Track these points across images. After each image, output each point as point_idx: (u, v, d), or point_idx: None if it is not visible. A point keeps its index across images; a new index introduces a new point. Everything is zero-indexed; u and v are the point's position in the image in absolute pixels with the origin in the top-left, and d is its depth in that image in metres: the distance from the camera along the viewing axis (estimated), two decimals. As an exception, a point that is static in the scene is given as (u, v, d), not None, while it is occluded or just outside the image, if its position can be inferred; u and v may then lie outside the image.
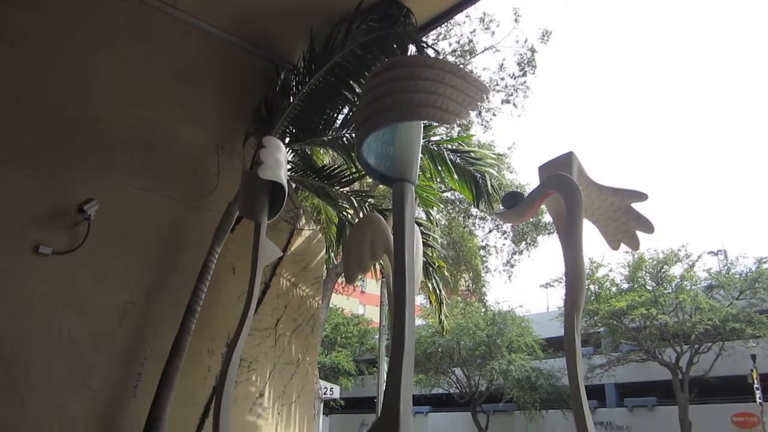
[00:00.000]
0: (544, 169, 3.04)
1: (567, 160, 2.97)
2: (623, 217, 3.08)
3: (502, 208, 3.26)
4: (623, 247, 3.14)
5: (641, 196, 3.00)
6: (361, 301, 42.85)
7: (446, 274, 9.46)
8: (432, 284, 6.60)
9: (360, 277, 4.47)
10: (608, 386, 34.68)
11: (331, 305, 19.70)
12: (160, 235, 4.24)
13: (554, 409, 31.73)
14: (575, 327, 3.59)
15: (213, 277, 4.08)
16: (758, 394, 24.64)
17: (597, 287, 29.24)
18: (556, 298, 30.14)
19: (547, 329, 30.08)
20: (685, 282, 27.30)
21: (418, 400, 43.50)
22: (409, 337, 2.71)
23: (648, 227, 3.04)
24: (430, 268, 6.51)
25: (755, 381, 24.59)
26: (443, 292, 7.10)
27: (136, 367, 3.87)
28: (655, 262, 27.93)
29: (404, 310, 2.76)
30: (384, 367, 15.32)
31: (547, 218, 16.47)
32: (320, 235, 5.64)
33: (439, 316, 7.11)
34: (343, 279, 9.36)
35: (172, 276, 4.15)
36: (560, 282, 29.17)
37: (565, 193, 2.85)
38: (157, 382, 3.71)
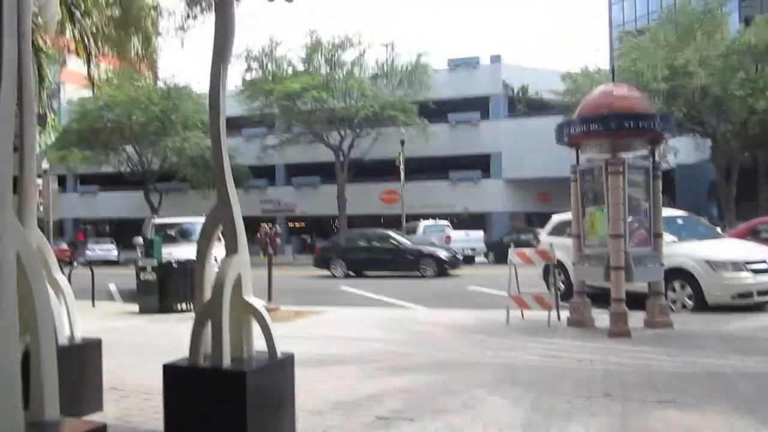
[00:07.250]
0: None
1: None
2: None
3: None
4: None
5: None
6: None
7: (111, 32, 8.30)
8: (78, 31, 5.72)
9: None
10: (278, 166, 36.92)
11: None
12: None
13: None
14: (221, 79, 3.45)
15: None
16: (402, 174, 28.66)
17: (274, 66, 29.55)
18: (235, 76, 29.65)
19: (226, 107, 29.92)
20: (355, 68, 29.18)
21: (86, 180, 40.73)
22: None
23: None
24: (77, 12, 5.62)
25: (401, 163, 28.40)
26: (97, 48, 6.25)
27: None
28: (330, 46, 28.97)
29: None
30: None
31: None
32: None
33: (88, 70, 6.29)
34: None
35: None
36: (239, 57, 28.75)
37: None
38: None
